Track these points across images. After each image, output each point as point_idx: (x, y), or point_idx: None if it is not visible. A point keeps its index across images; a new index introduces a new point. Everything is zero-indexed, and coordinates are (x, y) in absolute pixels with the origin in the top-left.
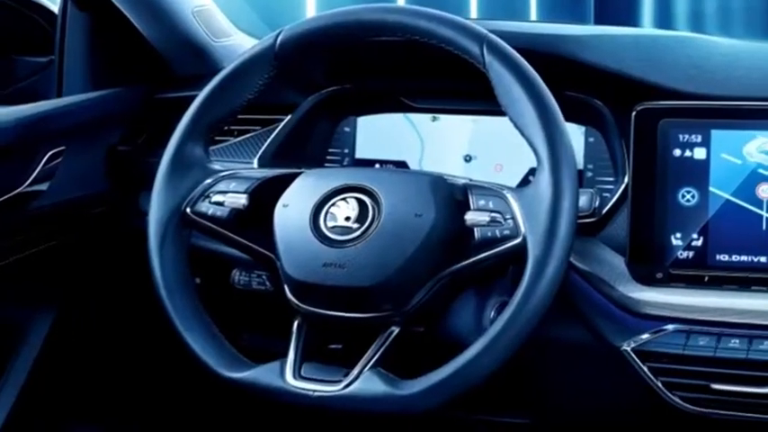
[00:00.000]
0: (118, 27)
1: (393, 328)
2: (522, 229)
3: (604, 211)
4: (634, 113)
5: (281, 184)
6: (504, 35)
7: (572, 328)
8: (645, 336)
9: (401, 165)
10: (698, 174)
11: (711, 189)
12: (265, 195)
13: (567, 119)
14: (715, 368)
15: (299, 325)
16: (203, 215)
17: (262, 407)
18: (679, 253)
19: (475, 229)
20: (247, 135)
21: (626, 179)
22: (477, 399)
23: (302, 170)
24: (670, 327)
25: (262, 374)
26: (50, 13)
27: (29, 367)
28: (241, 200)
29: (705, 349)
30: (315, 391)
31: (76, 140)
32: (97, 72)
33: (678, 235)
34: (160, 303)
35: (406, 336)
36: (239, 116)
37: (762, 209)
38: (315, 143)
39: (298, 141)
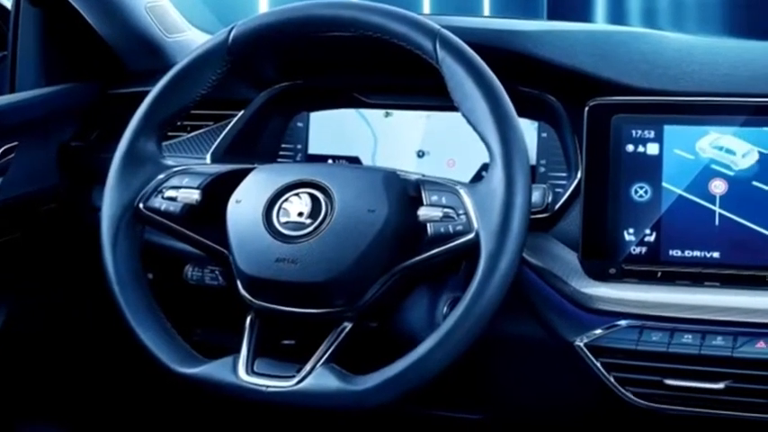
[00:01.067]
0: (71, 23)
1: (346, 323)
2: (475, 224)
3: (557, 206)
4: (587, 109)
5: (234, 179)
6: (456, 30)
7: (525, 323)
8: (598, 331)
9: (354, 160)
10: (651, 169)
11: (664, 184)
12: (218, 191)
13: (520, 114)
14: (668, 364)
15: (251, 320)
16: (156, 211)
17: (219, 403)
18: (632, 248)
19: (428, 225)
20: (200, 130)
21: (579, 174)
22: (430, 394)
23: (255, 165)
24: (623, 322)
25: (214, 370)
26: (3, 8)
27: None
28: (194, 195)
29: (658, 345)
30: (267, 386)
31: (29, 136)
32: (50, 68)
33: (631, 230)
34: (113, 299)
35: (358, 331)
36: (192, 111)
37: (714, 204)
38: (268, 138)
39: (250, 137)
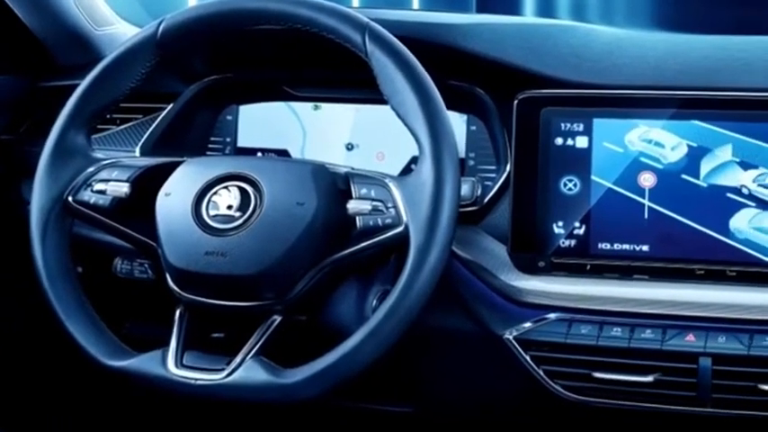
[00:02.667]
0: None
1: (275, 316)
2: (404, 217)
3: (486, 199)
4: (516, 102)
5: (164, 172)
6: (386, 24)
7: (454, 316)
8: (527, 324)
9: (283, 153)
10: (580, 162)
11: (593, 177)
12: (147, 184)
13: (449, 107)
14: (597, 357)
15: (180, 313)
16: (85, 204)
17: (149, 396)
18: (561, 241)
19: (357, 218)
20: (130, 123)
21: (508, 168)
22: (360, 387)
23: (184, 158)
24: (552, 315)
25: (143, 363)
26: None
27: None
28: (123, 188)
29: (587, 338)
30: (197, 379)
31: None
32: None
33: (560, 223)
34: (42, 292)
35: (288, 324)
36: (121, 104)
37: (643, 197)
38: (197, 131)
39: (180, 130)
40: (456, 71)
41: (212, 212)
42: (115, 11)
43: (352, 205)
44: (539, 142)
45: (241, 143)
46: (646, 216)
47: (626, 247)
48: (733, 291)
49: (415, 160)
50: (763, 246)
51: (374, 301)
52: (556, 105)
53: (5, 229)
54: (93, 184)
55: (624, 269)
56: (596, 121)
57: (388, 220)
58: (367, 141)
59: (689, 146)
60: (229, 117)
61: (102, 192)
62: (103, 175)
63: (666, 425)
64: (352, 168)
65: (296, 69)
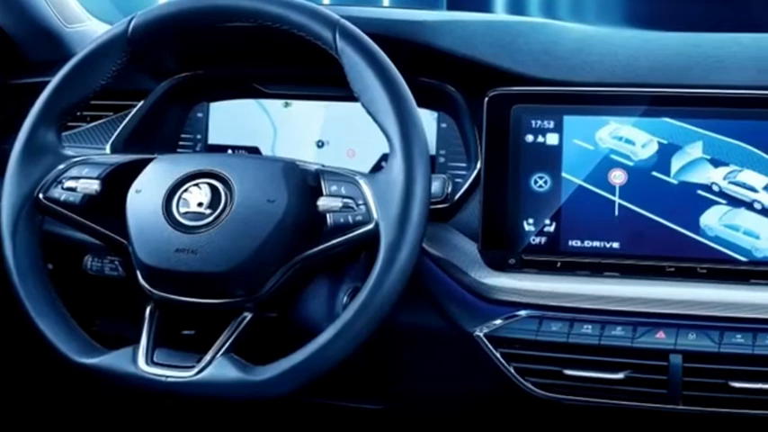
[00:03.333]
0: None
1: (246, 313)
2: (375, 214)
3: (457, 196)
4: (486, 99)
5: (134, 169)
6: (356, 21)
7: (425, 313)
8: (497, 321)
9: (253, 150)
10: (550, 159)
11: (564, 175)
12: (118, 181)
13: (420, 104)
14: (567, 354)
15: (151, 311)
16: (56, 201)
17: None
18: (531, 239)
19: (327, 215)
20: (100, 121)
21: (478, 165)
22: (330, 384)
23: (155, 156)
24: (523, 312)
25: (114, 360)
26: None
27: None
28: (94, 186)
29: (558, 335)
30: (167, 376)
31: None
32: None
33: (530, 221)
34: (12, 289)
35: (258, 321)
36: (92, 102)
37: (614, 194)
38: (167, 129)
39: (150, 127)
40: (427, 68)
41: (183, 210)
42: (86, 8)
43: (323, 202)
44: (509, 139)
45: (212, 140)
46: (616, 213)
47: (596, 244)
48: (703, 288)
49: (385, 157)
50: (734, 243)
51: (345, 299)
52: (526, 102)
53: None
54: (64, 181)
55: (595, 266)
56: (567, 119)
57: (359, 218)
58: (337, 138)
59: (659, 143)
60: (200, 114)
61: (72, 189)
62: (74, 172)
63: (638, 422)
64: (323, 165)
65: (266, 66)
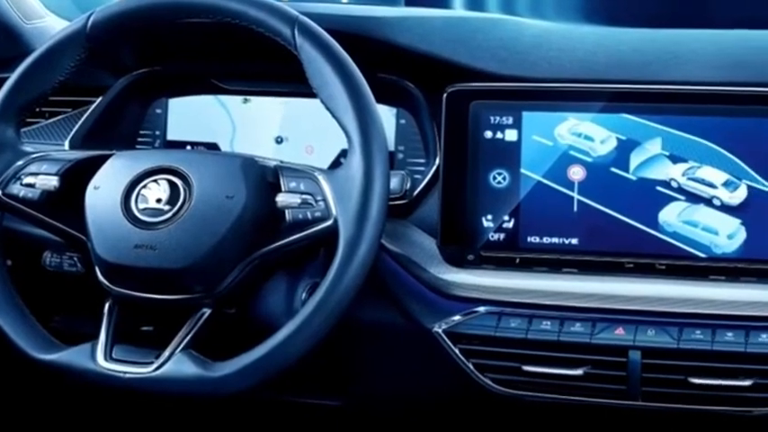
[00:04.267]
0: None
1: (204, 309)
2: (334, 211)
3: (416, 192)
4: (445, 95)
5: (93, 165)
6: (315, 17)
7: (383, 310)
8: (456, 317)
9: (212, 147)
10: (509, 155)
11: (523, 171)
12: (77, 177)
13: (379, 100)
14: (526, 350)
15: (110, 307)
16: (14, 197)
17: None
18: (490, 235)
19: (286, 211)
20: (59, 117)
21: (437, 161)
22: (289, 381)
23: (113, 152)
24: (481, 308)
25: (73, 356)
26: None
27: None
28: (52, 182)
29: (516, 331)
30: (126, 372)
31: None
32: None
33: (489, 217)
34: None
35: (217, 317)
36: (51, 98)
37: (572, 190)
38: (126, 125)
39: (109, 123)
40: (385, 64)
41: (141, 206)
42: (45, 4)
43: (282, 198)
44: (468, 135)
45: (170, 136)
46: (575, 209)
47: (555, 240)
48: (662, 284)
49: (344, 153)
50: (692, 239)
51: (303, 295)
52: (485, 98)
53: None
54: (23, 177)
55: (553, 262)
56: (525, 115)
57: (318, 214)
58: (296, 135)
59: (618, 139)
60: (159, 110)
61: (31, 185)
62: (33, 168)
63: (596, 418)
64: (282, 162)
65: (225, 63)
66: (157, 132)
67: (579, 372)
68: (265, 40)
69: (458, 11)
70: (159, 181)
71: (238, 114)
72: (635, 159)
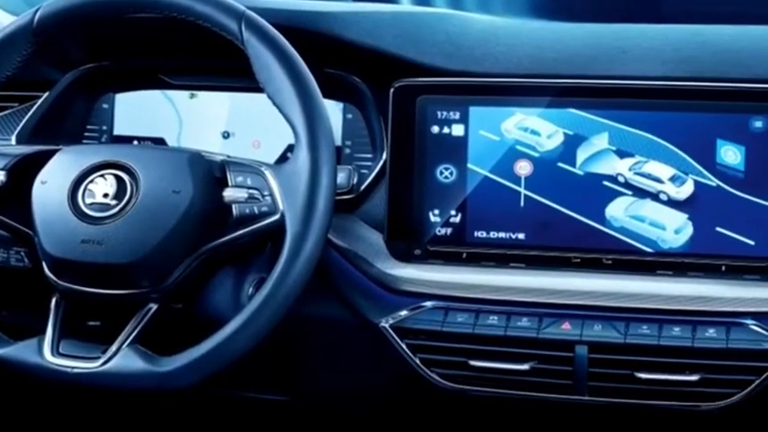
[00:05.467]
0: None
1: (151, 304)
2: (281, 205)
3: (362, 187)
4: (392, 90)
5: (40, 160)
6: (262, 12)
7: (330, 305)
8: (403, 312)
9: (159, 141)
10: (456, 150)
11: (470, 166)
12: (24, 172)
13: (326, 95)
14: (473, 345)
15: (57, 302)
16: None
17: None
18: (437, 230)
19: (233, 206)
20: (5, 112)
21: (384, 156)
22: (236, 375)
23: (60, 147)
24: (428, 303)
25: (19, 351)
26: None
27: None
28: None
29: (463, 326)
30: (72, 367)
31: None
32: None
33: (436, 212)
34: None
35: (164, 312)
36: None
37: (519, 185)
38: (73, 120)
39: (56, 118)
40: (332, 59)
41: (88, 201)
42: None
43: (229, 193)
44: (415, 130)
45: (117, 131)
46: (522, 204)
47: (502, 235)
48: (609, 279)
49: (291, 148)
50: (639, 234)
51: (250, 289)
52: (432, 93)
53: None
54: None
55: (500, 257)
56: (472, 110)
57: (264, 209)
58: (243, 129)
59: (565, 134)
60: (105, 105)
61: None
62: None
63: (544, 413)
64: (229, 156)
65: (173, 58)
66: (104, 127)
67: (526, 366)
68: (212, 35)
69: (406, 6)
70: (106, 176)
71: (185, 109)
72: (582, 154)
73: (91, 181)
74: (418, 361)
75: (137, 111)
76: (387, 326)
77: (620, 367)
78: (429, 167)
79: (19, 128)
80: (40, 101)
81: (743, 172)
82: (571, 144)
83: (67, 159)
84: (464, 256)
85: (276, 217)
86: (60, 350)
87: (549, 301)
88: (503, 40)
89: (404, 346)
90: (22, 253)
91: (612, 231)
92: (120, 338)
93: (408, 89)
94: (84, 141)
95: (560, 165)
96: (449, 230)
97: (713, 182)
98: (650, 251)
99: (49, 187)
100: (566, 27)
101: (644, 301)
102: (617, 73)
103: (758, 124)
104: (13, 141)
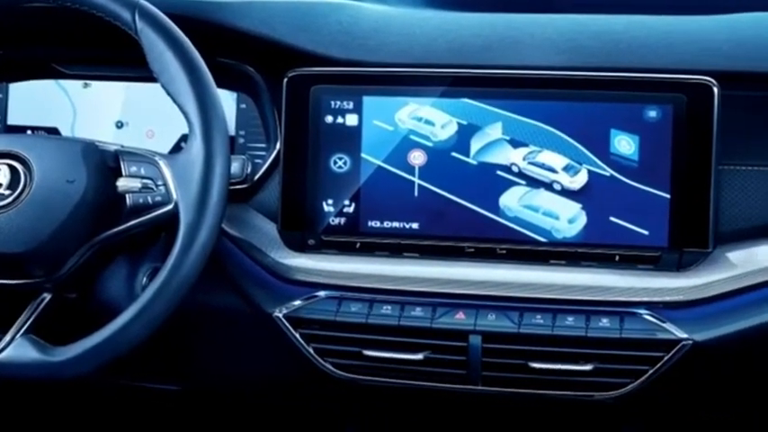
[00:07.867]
0: None
1: (45, 294)
2: (174, 195)
3: (256, 177)
4: (285, 80)
5: None
6: (156, 2)
7: (224, 294)
8: (297, 302)
9: (53, 131)
10: (350, 140)
11: (363, 155)
12: None
13: (219, 85)
14: (367, 335)
15: None
16: None
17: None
18: (331, 219)
19: (127, 196)
20: None
21: (278, 145)
22: (129, 365)
23: None
24: (322, 293)
25: None
26: None
27: None
28: None
29: (357, 315)
30: None
31: None
32: None
33: (330, 201)
34: None
35: (58, 302)
36: None
37: (413, 175)
38: None
39: None
40: (226, 49)
41: None
42: None
43: (122, 183)
44: (308, 120)
45: (11, 121)
46: (416, 194)
47: (396, 224)
48: (503, 269)
49: (185, 138)
50: (533, 224)
51: (144, 279)
52: (325, 83)
53: None
54: None
55: (394, 247)
56: (366, 99)
57: (158, 198)
58: (137, 119)
59: (459, 124)
60: None
61: None
62: None
63: (438, 402)
64: (122, 146)
65: (67, 47)
66: None
67: (419, 356)
68: (106, 24)
69: None
70: (0, 166)
71: (79, 99)
72: (475, 144)
73: None
74: (312, 351)
75: (30, 100)
76: (280, 315)
77: (514, 357)
78: (323, 157)
79: None
80: None
81: (636, 162)
82: (465, 134)
83: None
84: (358, 245)
85: (170, 207)
86: None
87: (443, 291)
88: (396, 30)
89: (297, 336)
90: None
91: (506, 221)
92: (13, 328)
93: (302, 79)
94: None
95: (454, 154)
96: (342, 220)
97: (607, 171)
98: (544, 241)
99: None
100: (459, 17)
101: (538, 290)
102: (510, 63)
103: (652, 114)
104: None
